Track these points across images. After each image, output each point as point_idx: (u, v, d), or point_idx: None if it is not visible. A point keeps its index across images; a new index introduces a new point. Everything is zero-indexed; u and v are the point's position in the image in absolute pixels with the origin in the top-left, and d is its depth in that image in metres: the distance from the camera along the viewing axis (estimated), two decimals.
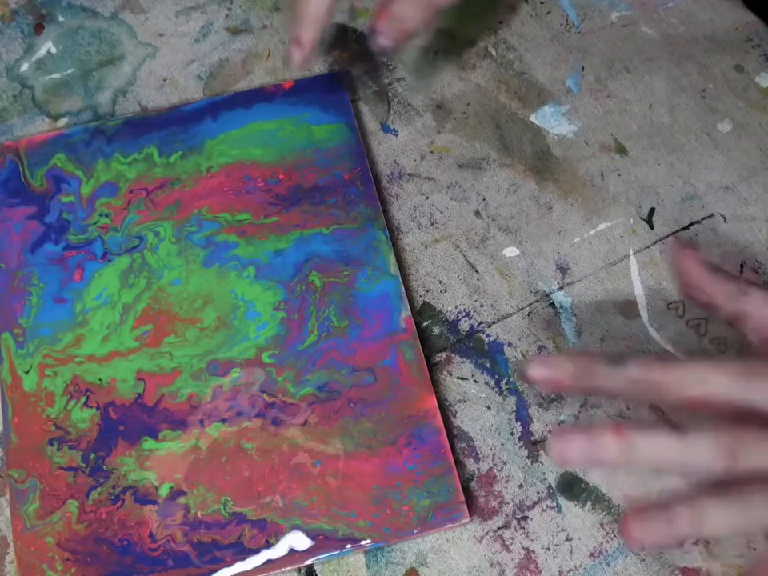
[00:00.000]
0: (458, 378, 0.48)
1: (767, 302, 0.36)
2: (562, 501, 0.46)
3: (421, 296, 0.50)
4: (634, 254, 0.52)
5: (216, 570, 0.43)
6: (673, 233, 0.52)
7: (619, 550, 0.45)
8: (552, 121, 0.55)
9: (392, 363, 0.47)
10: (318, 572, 0.44)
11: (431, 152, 0.54)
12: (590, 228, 0.52)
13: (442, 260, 0.51)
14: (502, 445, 0.47)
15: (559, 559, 0.45)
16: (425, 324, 0.50)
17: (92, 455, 0.45)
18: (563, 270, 0.51)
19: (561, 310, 0.50)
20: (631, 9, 0.59)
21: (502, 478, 0.46)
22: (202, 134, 0.53)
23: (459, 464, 0.46)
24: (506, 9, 0.59)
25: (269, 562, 0.43)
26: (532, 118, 0.55)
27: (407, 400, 0.46)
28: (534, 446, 0.47)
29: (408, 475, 0.45)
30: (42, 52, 0.57)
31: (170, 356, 0.47)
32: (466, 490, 0.46)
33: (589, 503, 0.46)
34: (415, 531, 0.44)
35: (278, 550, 0.43)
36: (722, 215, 0.53)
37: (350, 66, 0.57)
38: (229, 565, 0.43)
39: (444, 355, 0.49)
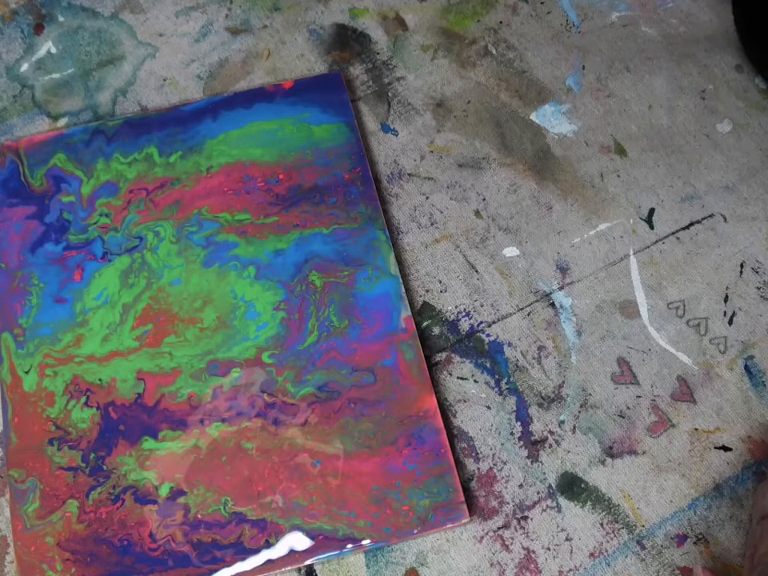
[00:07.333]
0: (458, 378, 0.48)
1: None
2: (562, 501, 0.46)
3: (421, 296, 0.50)
4: (634, 253, 0.52)
5: (216, 570, 0.43)
6: (673, 233, 0.52)
7: (619, 550, 0.45)
8: (552, 120, 0.55)
9: (392, 363, 0.47)
10: (317, 572, 0.44)
11: (431, 152, 0.54)
12: (590, 228, 0.52)
13: (441, 260, 0.51)
14: (502, 445, 0.47)
15: (559, 559, 0.45)
16: (425, 324, 0.50)
17: (92, 455, 0.45)
18: (563, 270, 0.51)
19: (561, 310, 0.50)
20: (631, 9, 0.59)
21: (502, 477, 0.46)
22: (202, 134, 0.53)
23: (459, 464, 0.46)
24: (505, 9, 0.59)
25: (269, 562, 0.43)
26: (532, 117, 0.55)
27: (407, 400, 0.46)
28: (533, 446, 0.47)
29: (408, 475, 0.45)
30: (42, 52, 0.57)
31: (169, 356, 0.47)
32: (466, 489, 0.46)
33: (589, 503, 0.46)
34: (415, 531, 0.44)
35: (278, 550, 0.43)
36: (722, 215, 0.53)
37: (350, 65, 0.57)
38: (229, 565, 0.43)
39: (444, 355, 0.49)
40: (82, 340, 0.48)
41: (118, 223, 0.50)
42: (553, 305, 0.50)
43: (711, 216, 0.53)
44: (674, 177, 0.54)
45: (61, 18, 0.58)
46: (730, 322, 0.50)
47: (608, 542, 0.45)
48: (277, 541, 0.44)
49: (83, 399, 0.46)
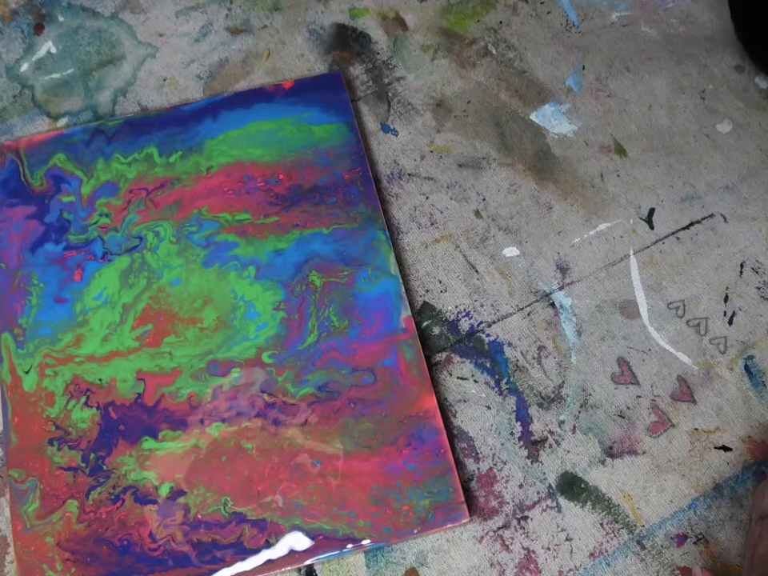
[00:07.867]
0: (458, 378, 0.48)
1: None
2: (562, 501, 0.46)
3: (421, 296, 0.50)
4: (634, 253, 0.52)
5: (216, 570, 0.43)
6: (673, 233, 0.52)
7: (619, 550, 0.45)
8: (552, 120, 0.55)
9: (392, 363, 0.47)
10: (317, 572, 0.44)
11: (431, 152, 0.54)
12: (590, 228, 0.52)
13: (441, 260, 0.51)
14: (502, 445, 0.47)
15: (559, 559, 0.45)
16: (425, 324, 0.50)
17: (92, 455, 0.45)
18: (563, 270, 0.51)
19: (561, 310, 0.50)
20: (631, 9, 0.59)
21: (502, 478, 0.46)
22: (202, 134, 0.53)
23: (459, 464, 0.46)
24: (505, 9, 0.59)
25: (269, 562, 0.43)
26: (532, 117, 0.55)
27: (407, 400, 0.46)
28: (533, 446, 0.47)
29: (408, 475, 0.45)
30: (42, 52, 0.57)
31: (169, 356, 0.47)
32: (466, 490, 0.46)
33: (589, 503, 0.46)
34: (415, 531, 0.44)
35: (278, 550, 0.43)
36: (722, 215, 0.53)
37: (350, 65, 0.57)
38: (229, 565, 0.43)
39: (444, 355, 0.49)
40: (82, 340, 0.48)
41: (117, 223, 0.50)
42: (553, 305, 0.50)
43: (711, 216, 0.53)
44: (674, 177, 0.54)
45: (61, 18, 0.58)
46: (730, 322, 0.50)
47: (608, 541, 0.45)
48: (277, 541, 0.44)
49: (83, 399, 0.46)
